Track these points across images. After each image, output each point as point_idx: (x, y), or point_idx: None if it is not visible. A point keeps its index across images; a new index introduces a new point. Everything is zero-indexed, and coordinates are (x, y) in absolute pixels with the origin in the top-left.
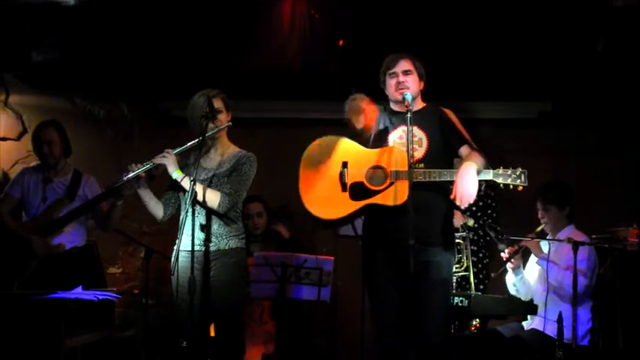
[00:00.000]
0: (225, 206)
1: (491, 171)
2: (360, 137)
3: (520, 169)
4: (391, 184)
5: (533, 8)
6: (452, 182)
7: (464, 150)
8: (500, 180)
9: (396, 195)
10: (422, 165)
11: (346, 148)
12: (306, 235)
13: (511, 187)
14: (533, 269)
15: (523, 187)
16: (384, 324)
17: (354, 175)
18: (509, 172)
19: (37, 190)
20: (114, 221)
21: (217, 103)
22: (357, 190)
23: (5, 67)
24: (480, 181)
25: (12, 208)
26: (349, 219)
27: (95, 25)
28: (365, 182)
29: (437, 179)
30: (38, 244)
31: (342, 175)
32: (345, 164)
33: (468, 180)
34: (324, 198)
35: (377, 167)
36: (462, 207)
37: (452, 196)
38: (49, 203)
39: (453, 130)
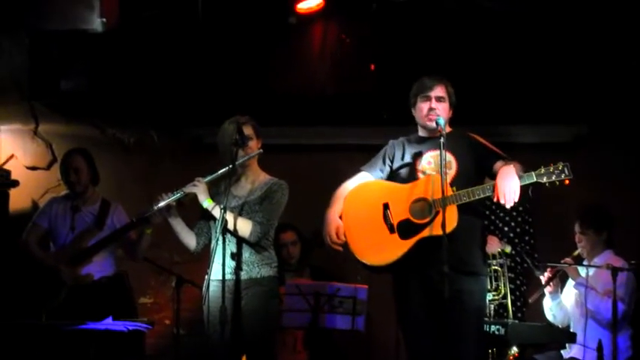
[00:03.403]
0: (257, 235)
1: (532, 173)
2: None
3: (562, 163)
4: (437, 213)
5: (568, 31)
6: (492, 201)
7: (499, 164)
8: (544, 180)
9: (445, 223)
10: (454, 188)
11: (382, 189)
12: (338, 262)
13: (557, 184)
14: (570, 294)
15: (570, 180)
16: (417, 355)
17: (398, 214)
18: (552, 168)
19: (66, 219)
20: (143, 250)
21: (247, 130)
22: (405, 228)
23: (34, 95)
24: (524, 186)
25: (39, 237)
26: (405, 258)
27: (124, 52)
28: (411, 218)
29: (481, 196)
30: (66, 274)
31: (386, 217)
32: (386, 205)
33: (509, 178)
34: (375, 245)
35: (419, 200)
36: (507, 205)
37: (495, 198)
38: (77, 232)
39: (485, 149)
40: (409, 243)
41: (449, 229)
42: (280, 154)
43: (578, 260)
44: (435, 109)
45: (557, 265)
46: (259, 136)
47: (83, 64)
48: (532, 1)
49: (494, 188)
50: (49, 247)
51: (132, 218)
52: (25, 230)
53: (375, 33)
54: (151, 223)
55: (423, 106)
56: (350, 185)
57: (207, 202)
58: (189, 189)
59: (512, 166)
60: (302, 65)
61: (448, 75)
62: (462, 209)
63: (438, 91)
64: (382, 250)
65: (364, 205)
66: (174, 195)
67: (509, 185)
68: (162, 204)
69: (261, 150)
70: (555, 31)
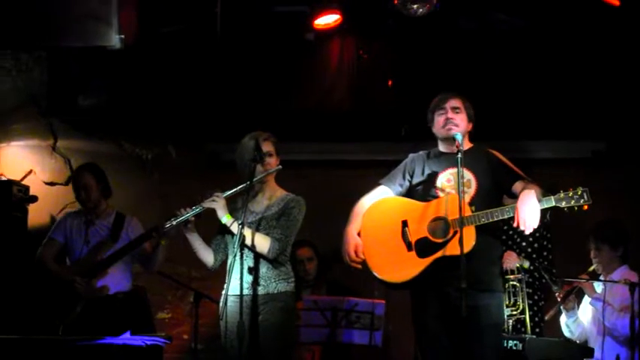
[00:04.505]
0: (275, 252)
1: (552, 197)
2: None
3: (581, 188)
4: (455, 232)
5: (588, 48)
6: (510, 219)
7: (518, 185)
8: (563, 204)
9: (462, 243)
10: (473, 207)
11: (400, 206)
12: (355, 277)
13: (576, 209)
14: (587, 310)
15: (588, 205)
16: None
17: (416, 232)
18: (571, 193)
19: (80, 233)
20: (159, 262)
21: (268, 147)
22: (423, 246)
23: (53, 111)
24: (543, 210)
25: (56, 252)
26: (423, 276)
27: (142, 68)
28: (429, 236)
29: (499, 218)
30: (82, 287)
31: (404, 235)
32: (405, 223)
33: (530, 205)
34: (392, 262)
35: (438, 219)
36: (527, 232)
37: (515, 224)
38: (92, 246)
39: (504, 168)
40: (426, 261)
41: (467, 249)
42: (297, 169)
43: (594, 276)
44: (452, 118)
45: (575, 280)
46: (279, 152)
47: (101, 81)
48: (550, 17)
49: (513, 211)
50: (66, 261)
51: (150, 231)
52: (41, 245)
53: (392, 49)
54: (166, 235)
55: (439, 119)
56: (369, 200)
57: (225, 218)
58: (208, 204)
59: (533, 191)
60: (319, 81)
61: (466, 91)
62: (480, 228)
63: (453, 102)
64: (400, 267)
65: (383, 222)
66: (192, 210)
67: (529, 212)
68: (181, 219)
69: (280, 166)
70: (575, 47)
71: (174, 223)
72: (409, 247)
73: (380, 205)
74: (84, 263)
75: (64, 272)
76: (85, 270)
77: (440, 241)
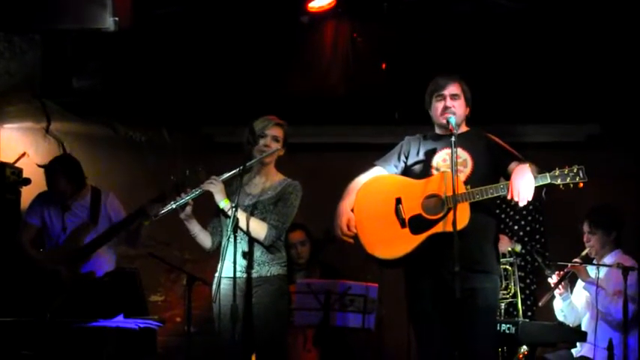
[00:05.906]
0: (271, 239)
1: (547, 174)
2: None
3: (577, 166)
4: (449, 209)
5: (581, 30)
6: (503, 201)
7: (514, 165)
8: (558, 181)
9: (456, 220)
10: (469, 186)
11: (395, 183)
12: (348, 260)
13: (571, 186)
14: (580, 294)
15: (584, 183)
16: (429, 355)
17: (410, 209)
18: (566, 170)
19: (57, 218)
20: (141, 239)
21: (275, 131)
22: (417, 223)
23: (46, 94)
24: (539, 188)
25: (32, 236)
26: (416, 254)
27: (136, 51)
28: (423, 213)
29: (493, 194)
30: (66, 274)
31: (398, 212)
32: (398, 200)
33: (525, 177)
34: (385, 239)
35: (432, 196)
36: (521, 204)
37: (509, 196)
38: (70, 231)
39: (501, 149)
40: (420, 238)
41: (460, 226)
42: (291, 153)
43: (587, 260)
44: (450, 107)
45: (568, 264)
46: (286, 140)
47: (95, 63)
48: (544, 1)
49: (507, 188)
50: (44, 245)
51: (137, 213)
52: (18, 230)
53: (386, 32)
54: (149, 214)
55: (438, 105)
56: (363, 179)
57: (223, 203)
58: (206, 187)
59: (527, 165)
60: (314, 64)
61: (461, 74)
62: (476, 208)
63: (452, 88)
64: (392, 244)
65: (376, 198)
66: (191, 193)
67: (523, 183)
68: (180, 202)
69: (275, 149)
70: (569, 30)
71: (173, 206)
72: (403, 223)
73: (374, 182)
74: (66, 249)
75: (46, 261)
76: (68, 257)
77: (433, 218)
